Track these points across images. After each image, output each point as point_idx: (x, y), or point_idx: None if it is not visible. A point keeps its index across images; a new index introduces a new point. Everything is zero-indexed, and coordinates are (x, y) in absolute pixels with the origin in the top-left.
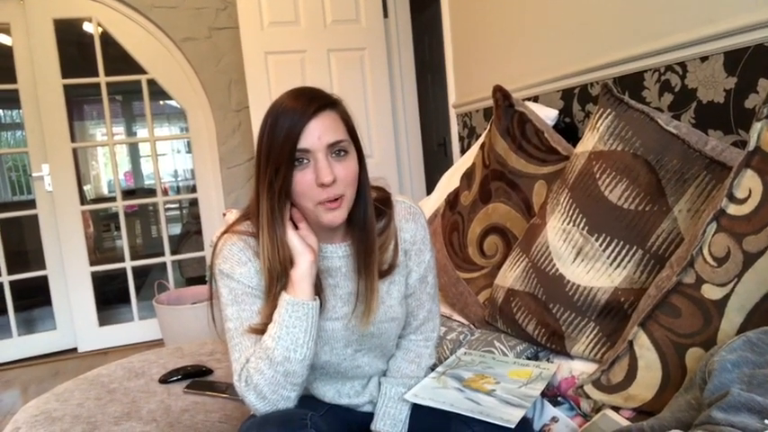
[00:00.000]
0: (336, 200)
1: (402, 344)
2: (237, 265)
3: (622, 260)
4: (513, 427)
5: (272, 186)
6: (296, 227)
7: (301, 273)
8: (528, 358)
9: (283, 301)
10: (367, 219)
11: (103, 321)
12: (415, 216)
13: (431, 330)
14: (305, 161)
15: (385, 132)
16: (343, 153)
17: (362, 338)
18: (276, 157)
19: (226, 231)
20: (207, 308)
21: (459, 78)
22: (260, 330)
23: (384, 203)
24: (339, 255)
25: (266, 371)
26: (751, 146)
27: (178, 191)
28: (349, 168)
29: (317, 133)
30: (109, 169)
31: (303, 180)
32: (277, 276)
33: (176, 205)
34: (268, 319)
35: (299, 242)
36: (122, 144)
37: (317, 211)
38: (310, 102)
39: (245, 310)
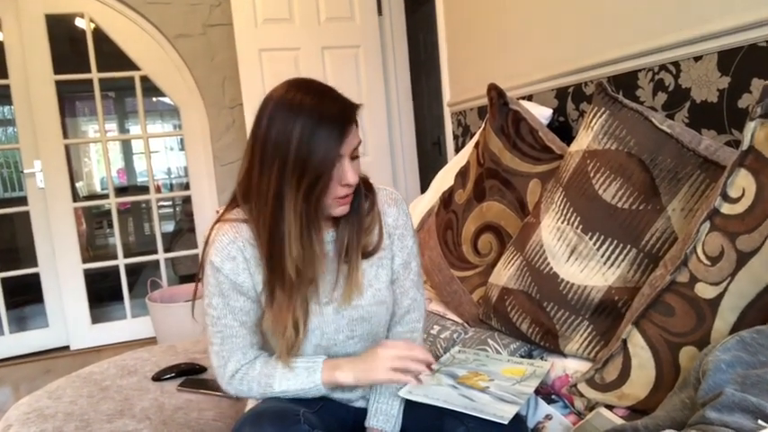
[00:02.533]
0: (348, 196)
1: (389, 338)
2: (226, 260)
3: (616, 259)
4: (506, 423)
5: (310, 195)
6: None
7: (351, 380)
8: (521, 356)
9: (312, 380)
10: (361, 204)
11: (96, 319)
12: (396, 201)
13: (416, 321)
14: None
15: (379, 131)
16: (358, 155)
17: (353, 323)
18: (318, 166)
19: (218, 220)
20: (194, 304)
21: (453, 77)
22: (246, 326)
23: (366, 188)
24: (328, 240)
25: (256, 391)
26: (744, 145)
27: (171, 188)
28: (359, 167)
29: (350, 139)
30: (101, 166)
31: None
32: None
33: (169, 203)
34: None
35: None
36: (115, 141)
37: (330, 206)
38: (345, 109)
39: (229, 304)
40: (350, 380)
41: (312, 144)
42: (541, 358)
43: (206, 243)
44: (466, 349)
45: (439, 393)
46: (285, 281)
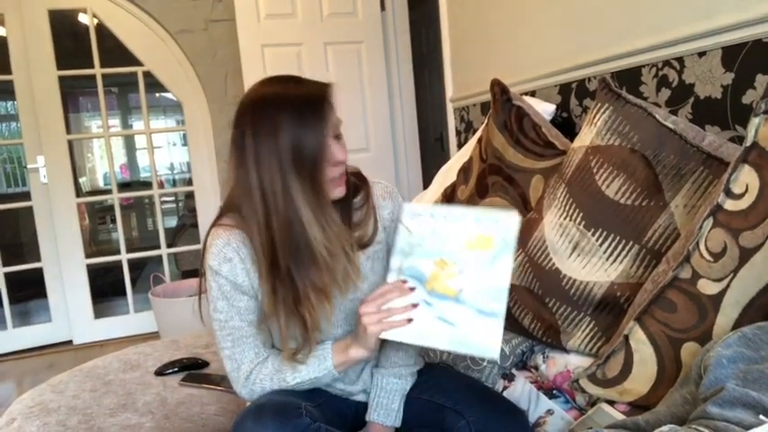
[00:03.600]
0: (342, 176)
1: None
2: (224, 262)
3: (619, 255)
4: (497, 358)
5: (314, 181)
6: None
7: (364, 352)
8: (523, 353)
9: (324, 366)
10: (349, 194)
11: (99, 314)
12: (392, 195)
13: None
14: None
15: (382, 126)
16: (341, 135)
17: (349, 316)
18: (312, 152)
19: (213, 225)
20: (197, 302)
21: (456, 72)
22: (254, 324)
23: (359, 179)
24: None
25: (270, 388)
26: (748, 141)
27: (174, 183)
28: (345, 146)
29: (332, 118)
30: (104, 161)
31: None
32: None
33: (172, 198)
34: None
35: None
36: (118, 136)
37: (329, 190)
38: (319, 89)
39: (234, 305)
40: (363, 353)
41: (301, 131)
42: (543, 355)
43: (203, 250)
44: (420, 212)
45: (418, 326)
46: (309, 270)
